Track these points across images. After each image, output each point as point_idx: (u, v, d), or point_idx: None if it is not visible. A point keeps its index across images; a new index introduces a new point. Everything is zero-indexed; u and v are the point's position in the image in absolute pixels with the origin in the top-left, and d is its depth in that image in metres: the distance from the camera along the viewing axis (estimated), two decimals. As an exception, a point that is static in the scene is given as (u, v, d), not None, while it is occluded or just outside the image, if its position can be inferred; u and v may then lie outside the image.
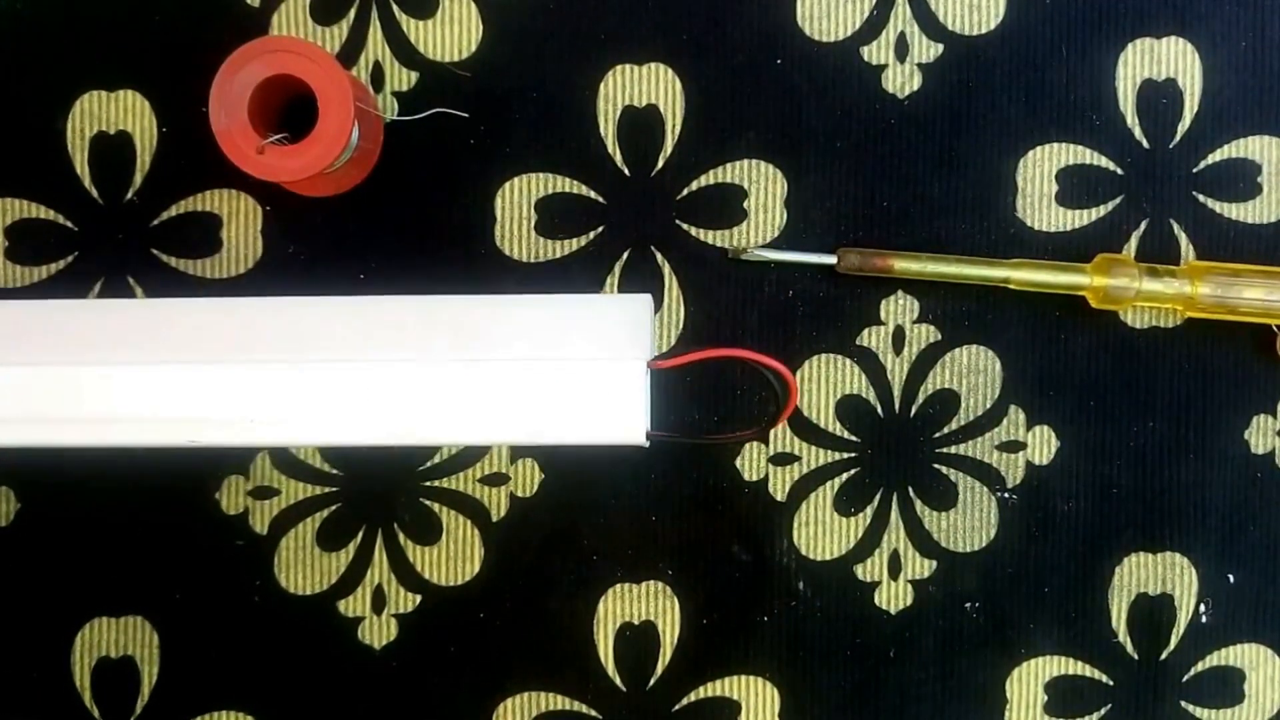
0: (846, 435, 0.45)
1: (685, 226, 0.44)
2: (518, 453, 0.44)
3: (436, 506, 0.45)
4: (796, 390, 0.42)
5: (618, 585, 0.45)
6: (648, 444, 0.39)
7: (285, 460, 0.44)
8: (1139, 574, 0.45)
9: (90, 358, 0.39)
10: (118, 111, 0.44)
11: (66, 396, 0.39)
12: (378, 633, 0.45)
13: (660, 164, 0.44)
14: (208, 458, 0.44)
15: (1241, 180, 0.45)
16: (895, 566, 0.45)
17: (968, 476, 0.45)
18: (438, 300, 0.40)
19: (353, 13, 0.44)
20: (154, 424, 0.39)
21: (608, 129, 0.44)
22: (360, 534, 0.45)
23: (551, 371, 0.39)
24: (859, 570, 0.45)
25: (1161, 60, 0.45)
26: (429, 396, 0.39)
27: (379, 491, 0.45)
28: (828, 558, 0.45)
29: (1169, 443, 0.45)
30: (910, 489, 0.45)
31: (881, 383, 0.45)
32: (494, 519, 0.45)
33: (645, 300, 0.40)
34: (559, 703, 0.45)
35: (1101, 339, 0.45)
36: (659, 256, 0.44)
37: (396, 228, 0.44)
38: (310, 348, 0.39)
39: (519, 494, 0.45)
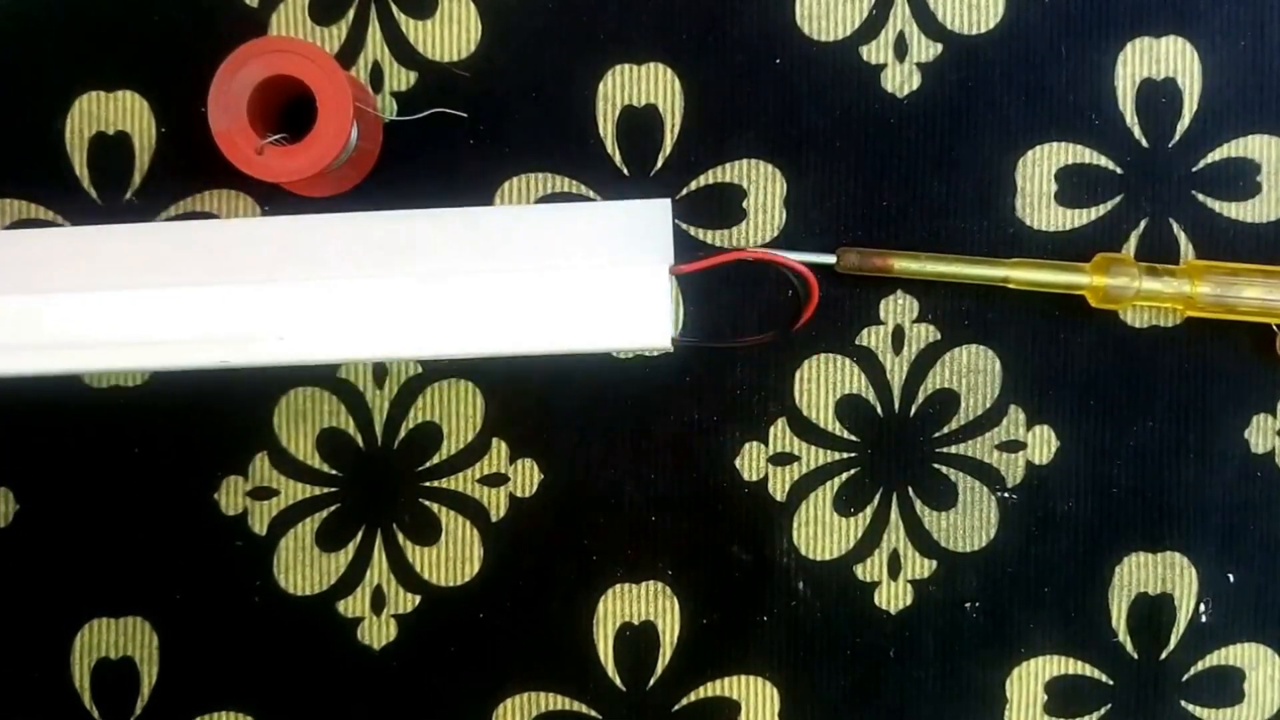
0: (846, 435, 0.45)
1: (684, 226, 0.44)
2: (517, 453, 0.44)
3: (436, 507, 0.45)
4: (817, 290, 0.42)
5: (617, 585, 0.45)
6: (673, 349, 0.39)
7: (284, 460, 0.44)
8: (1139, 573, 0.45)
9: (119, 281, 0.40)
10: (116, 112, 0.44)
11: (97, 321, 0.39)
12: (377, 633, 0.45)
13: (659, 164, 0.44)
14: (206, 456, 0.44)
15: (1241, 179, 0.45)
16: (895, 566, 0.45)
17: (967, 476, 0.45)
18: (459, 213, 0.40)
19: (351, 13, 0.44)
20: (184, 345, 0.39)
21: (607, 129, 0.44)
22: (359, 534, 0.45)
23: (575, 279, 0.39)
24: (859, 570, 0.45)
25: (1161, 59, 0.45)
26: (454, 308, 0.39)
27: (378, 492, 0.45)
28: (827, 558, 0.45)
29: (1169, 442, 0.45)
30: (910, 489, 0.45)
31: (881, 382, 0.45)
32: (493, 519, 0.45)
33: (665, 205, 0.40)
34: (559, 703, 0.45)
35: (1101, 338, 0.45)
36: (658, 256, 0.44)
37: (396, 228, 0.44)
38: (334, 264, 0.39)
39: (518, 494, 0.45)
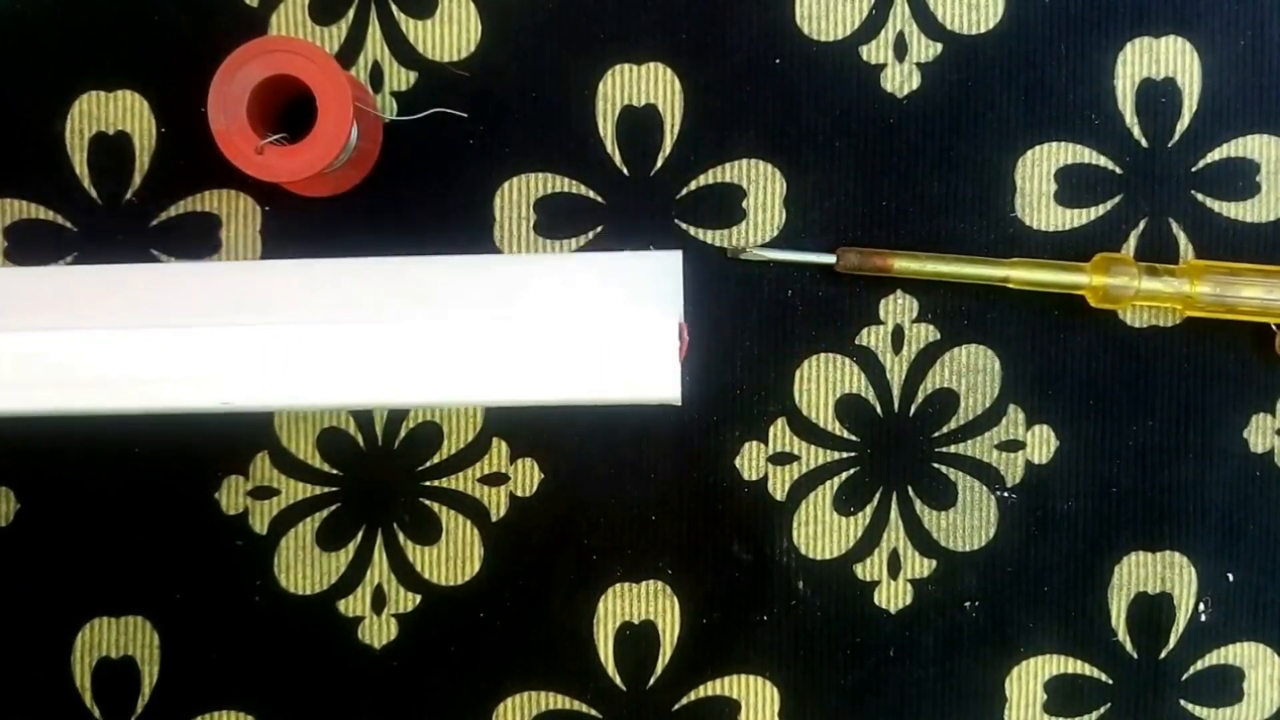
0: (846, 435, 0.45)
1: (684, 226, 0.44)
2: (517, 452, 0.45)
3: (436, 506, 0.45)
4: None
5: (618, 585, 0.45)
6: (680, 404, 0.39)
7: (285, 460, 0.44)
8: (1138, 573, 0.45)
9: (120, 321, 0.40)
10: (117, 112, 0.44)
11: (98, 360, 0.39)
12: (378, 632, 0.45)
13: (659, 163, 0.44)
14: (207, 456, 0.44)
15: (1240, 179, 0.45)
16: (895, 566, 0.45)
17: (967, 476, 0.45)
18: (469, 260, 0.41)
19: (351, 13, 0.44)
20: (183, 385, 0.39)
21: (607, 128, 0.44)
22: (360, 534, 0.45)
23: (584, 329, 0.39)
24: (859, 569, 0.45)
25: (1160, 59, 0.45)
26: (462, 355, 0.39)
27: (379, 491, 0.45)
28: (827, 557, 0.45)
29: (1168, 442, 0.45)
30: (910, 488, 0.45)
31: (881, 382, 0.45)
32: (494, 519, 0.45)
33: (675, 257, 0.40)
34: (559, 702, 0.45)
35: (1101, 338, 0.45)
36: (658, 256, 0.44)
37: (395, 227, 0.44)
38: (341, 308, 0.40)
39: (519, 494, 0.45)
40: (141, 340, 0.39)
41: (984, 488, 0.45)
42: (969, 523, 0.45)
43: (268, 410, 0.42)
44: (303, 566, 0.45)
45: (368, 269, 0.40)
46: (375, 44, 0.44)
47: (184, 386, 0.39)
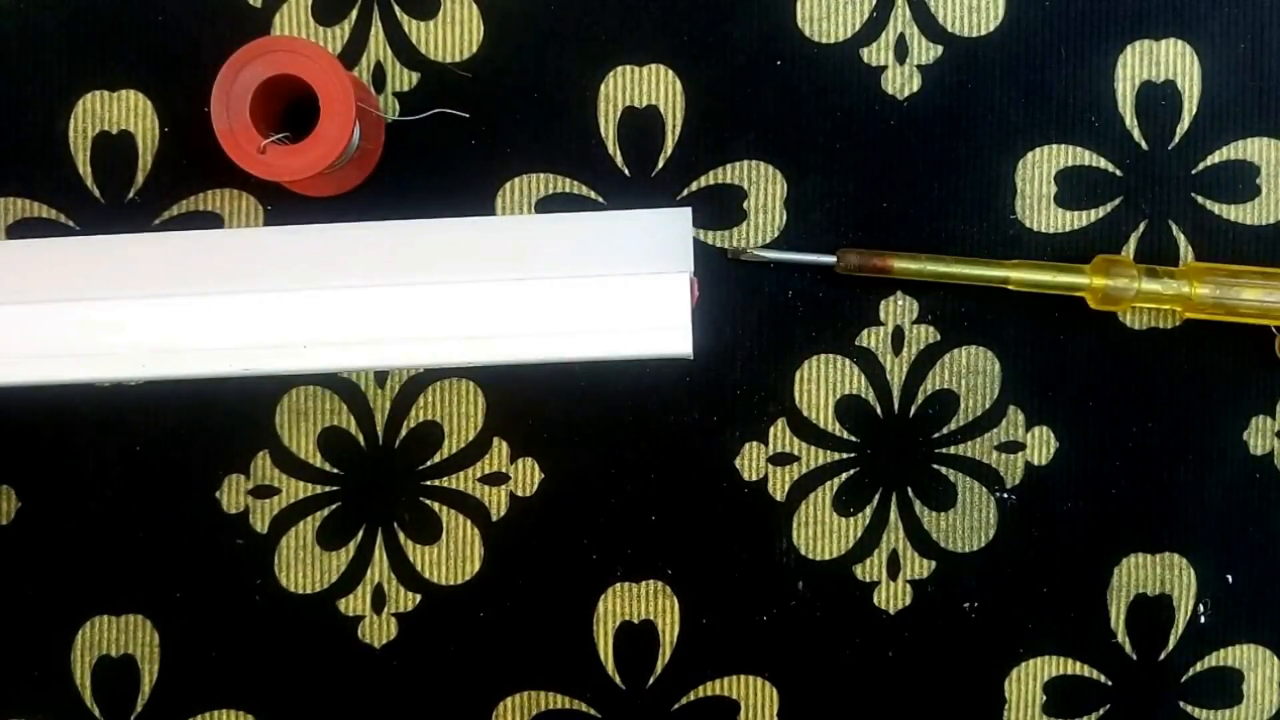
0: (846, 435, 0.45)
1: (685, 227, 0.44)
2: (517, 452, 0.45)
3: (436, 506, 0.45)
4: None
5: (617, 584, 0.45)
6: (693, 357, 0.39)
7: (286, 459, 0.44)
8: (1138, 574, 0.45)
9: (142, 291, 0.39)
10: (120, 111, 0.44)
11: (121, 330, 0.39)
12: (378, 632, 0.45)
13: (660, 164, 0.44)
14: (208, 455, 0.44)
15: (1240, 182, 0.45)
16: (894, 566, 0.45)
17: (967, 477, 0.45)
18: (480, 221, 0.40)
19: (354, 13, 0.44)
20: (208, 354, 0.39)
21: (608, 129, 0.44)
22: (360, 533, 0.45)
23: (595, 286, 0.39)
24: (858, 570, 0.45)
25: (1160, 62, 0.45)
26: (475, 317, 0.39)
27: (379, 491, 0.45)
28: (827, 558, 0.45)
29: (1168, 443, 0.45)
30: (909, 489, 0.45)
31: (881, 383, 0.45)
32: (494, 518, 0.45)
33: (685, 214, 0.40)
34: (558, 702, 0.45)
35: (1100, 340, 0.45)
36: (659, 257, 0.44)
37: (397, 227, 0.44)
38: (358, 272, 0.39)
39: (519, 494, 0.45)
40: (160, 308, 0.39)
41: (984, 489, 0.45)
42: (968, 524, 0.45)
43: (284, 374, 0.42)
44: (303, 565, 0.45)
45: (379, 233, 0.40)
46: (378, 44, 0.44)
47: (205, 353, 0.39)
